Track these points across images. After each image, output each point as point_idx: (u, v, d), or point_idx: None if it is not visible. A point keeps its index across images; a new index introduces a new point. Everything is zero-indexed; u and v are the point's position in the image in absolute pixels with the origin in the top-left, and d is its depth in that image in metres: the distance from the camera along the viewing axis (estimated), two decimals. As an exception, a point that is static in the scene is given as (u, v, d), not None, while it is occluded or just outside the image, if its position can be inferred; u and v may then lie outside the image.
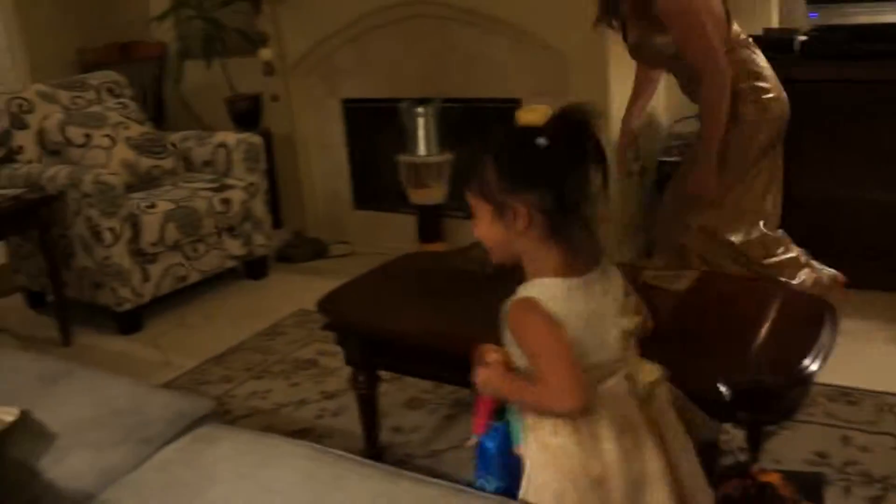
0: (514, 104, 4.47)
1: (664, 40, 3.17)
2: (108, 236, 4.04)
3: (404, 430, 3.14)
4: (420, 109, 4.53)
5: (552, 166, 1.59)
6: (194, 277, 4.48)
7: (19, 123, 4.52)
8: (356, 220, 5.29)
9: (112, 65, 5.57)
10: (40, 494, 1.78)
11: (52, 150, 4.49)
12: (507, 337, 1.69)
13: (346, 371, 3.39)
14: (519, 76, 4.47)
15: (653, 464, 1.67)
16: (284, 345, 3.93)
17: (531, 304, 1.60)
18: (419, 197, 4.63)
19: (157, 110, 5.88)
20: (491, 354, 1.76)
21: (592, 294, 1.64)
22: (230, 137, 4.74)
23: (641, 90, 3.58)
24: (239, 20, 5.29)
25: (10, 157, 4.52)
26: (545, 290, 1.61)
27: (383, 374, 2.88)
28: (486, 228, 1.68)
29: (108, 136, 4.48)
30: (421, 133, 4.54)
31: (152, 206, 4.24)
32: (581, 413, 1.61)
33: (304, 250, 5.11)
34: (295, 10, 5.05)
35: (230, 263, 4.68)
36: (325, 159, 5.34)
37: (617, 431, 1.64)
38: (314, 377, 3.62)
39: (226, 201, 4.50)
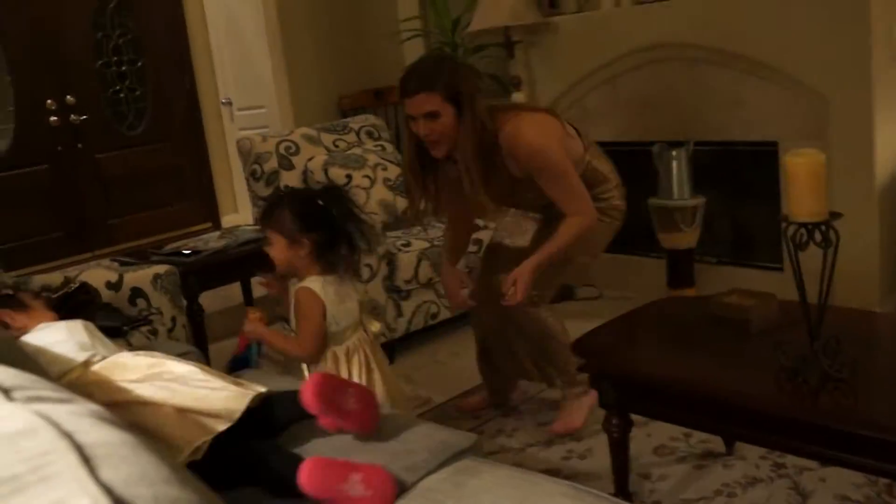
0: (771, 147, 4.36)
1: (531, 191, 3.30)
2: (366, 272, 4.19)
3: (652, 477, 3.09)
4: (673, 152, 4.47)
5: (325, 220, 2.71)
6: (444, 315, 4.58)
7: (287, 164, 4.77)
8: (604, 264, 5.24)
9: (368, 109, 5.81)
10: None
11: (316, 190, 4.72)
12: (293, 309, 2.77)
13: (595, 413, 3.39)
14: (776, 119, 4.34)
15: (377, 376, 2.80)
16: (533, 385, 3.94)
17: (307, 289, 2.71)
18: (670, 241, 4.56)
19: (409, 152, 6.06)
20: (254, 314, 2.85)
21: (337, 286, 2.75)
22: (483, 179, 4.84)
23: (461, 235, 3.72)
24: (492, 65, 5.40)
25: (278, 195, 4.78)
26: (315, 282, 2.72)
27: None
28: (278, 252, 2.74)
29: (367, 176, 4.66)
30: (674, 176, 4.47)
31: (407, 244, 4.39)
32: (310, 360, 2.78)
33: (551, 292, 5.13)
34: (548, 54, 5.12)
35: (479, 302, 4.75)
36: (574, 202, 5.35)
37: (359, 366, 2.78)
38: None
39: (476, 241, 4.59)
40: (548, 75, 5.17)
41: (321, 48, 6.43)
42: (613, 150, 5.02)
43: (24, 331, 2.47)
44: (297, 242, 2.70)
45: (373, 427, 2.12)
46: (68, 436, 0.85)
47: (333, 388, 2.09)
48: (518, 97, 5.11)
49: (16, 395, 1.03)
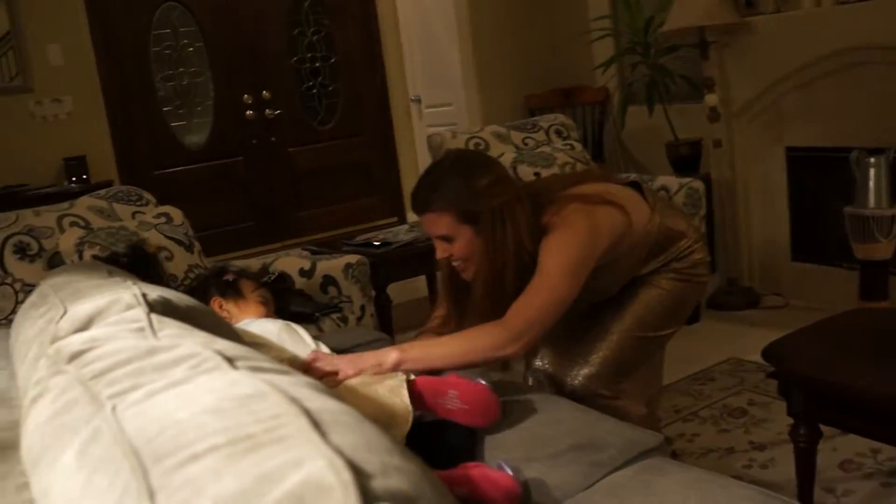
0: (979, 156, 4.16)
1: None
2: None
3: (837, 492, 3.00)
4: (872, 159, 4.31)
5: (150, 272, 2.99)
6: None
7: (476, 160, 4.83)
8: (793, 272, 5.12)
9: (555, 109, 5.82)
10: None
11: (504, 187, 4.75)
12: None
13: (778, 423, 3.33)
14: None
15: None
16: (715, 391, 3.89)
17: None
18: (865, 252, 4.38)
19: (596, 152, 6.05)
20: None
21: None
22: (671, 181, 4.76)
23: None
24: (683, 66, 5.33)
25: (466, 191, 4.84)
26: None
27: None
28: None
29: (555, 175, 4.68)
30: (871, 184, 4.30)
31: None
32: None
33: (737, 299, 5.02)
34: (743, 55, 5.02)
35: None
36: (765, 208, 5.23)
37: None
38: (743, 426, 3.55)
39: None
40: (742, 77, 5.07)
41: (510, 47, 6.48)
42: (808, 156, 4.92)
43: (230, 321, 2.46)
44: None
45: (490, 419, 2.04)
46: (296, 401, 0.90)
47: (431, 391, 2.01)
48: (711, 99, 5.02)
49: (239, 364, 1.09)
